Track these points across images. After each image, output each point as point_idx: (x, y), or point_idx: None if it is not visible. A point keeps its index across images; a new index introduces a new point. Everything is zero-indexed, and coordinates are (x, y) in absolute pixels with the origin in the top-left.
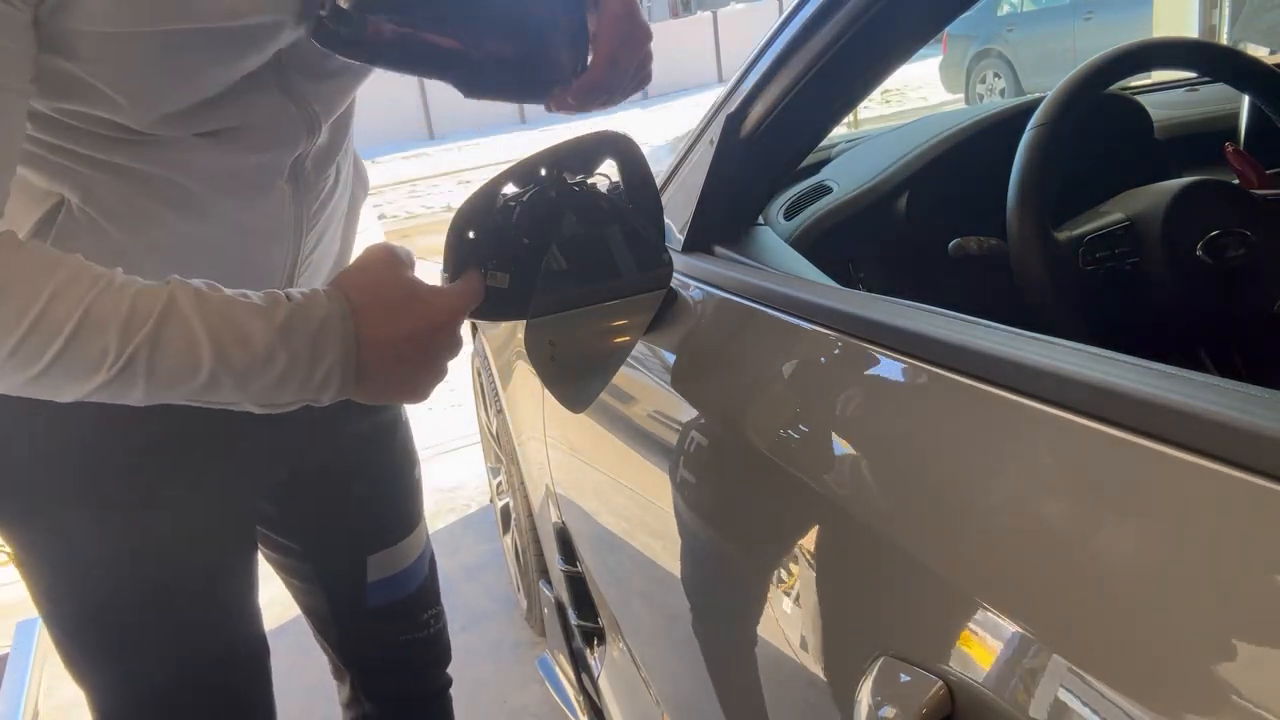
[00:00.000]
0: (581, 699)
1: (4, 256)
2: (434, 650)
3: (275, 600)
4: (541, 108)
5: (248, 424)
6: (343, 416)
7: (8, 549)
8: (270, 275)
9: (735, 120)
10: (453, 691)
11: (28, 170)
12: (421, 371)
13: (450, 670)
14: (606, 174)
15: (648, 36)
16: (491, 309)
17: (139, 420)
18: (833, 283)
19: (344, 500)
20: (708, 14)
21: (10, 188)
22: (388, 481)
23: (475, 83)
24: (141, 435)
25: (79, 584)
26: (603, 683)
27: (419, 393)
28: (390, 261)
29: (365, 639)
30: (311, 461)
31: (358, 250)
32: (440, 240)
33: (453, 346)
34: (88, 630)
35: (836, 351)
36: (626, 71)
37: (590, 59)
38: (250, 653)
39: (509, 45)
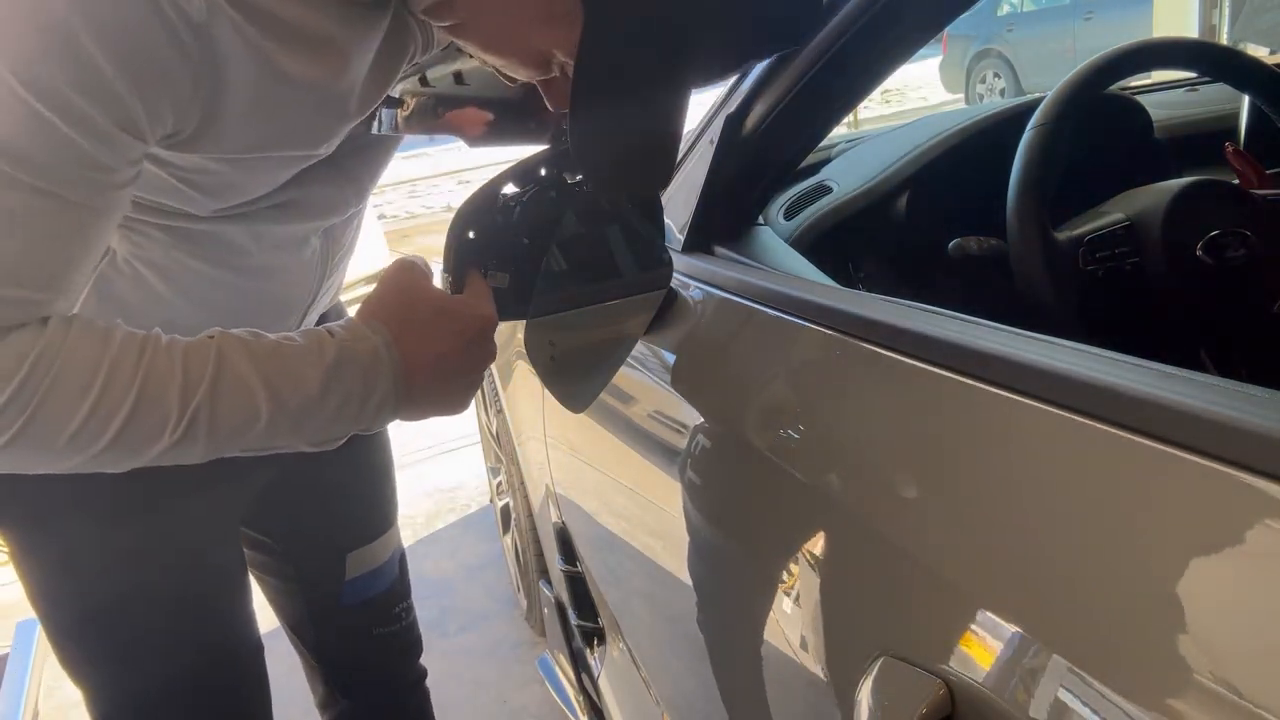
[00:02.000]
0: (581, 699)
1: (57, 341)
2: (405, 641)
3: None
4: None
5: None
6: None
7: (6, 550)
8: (292, 312)
9: (735, 120)
10: (453, 692)
11: None
12: (461, 384)
13: (450, 670)
14: None
15: None
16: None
17: None
18: (833, 283)
19: (325, 499)
20: None
21: (82, 286)
22: (368, 480)
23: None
24: None
25: (76, 587)
26: (603, 683)
27: (459, 405)
28: (414, 281)
29: (340, 635)
30: (295, 462)
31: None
32: (440, 240)
33: (488, 356)
34: (85, 632)
35: (836, 351)
36: None
37: None
38: (245, 653)
39: (505, 98)
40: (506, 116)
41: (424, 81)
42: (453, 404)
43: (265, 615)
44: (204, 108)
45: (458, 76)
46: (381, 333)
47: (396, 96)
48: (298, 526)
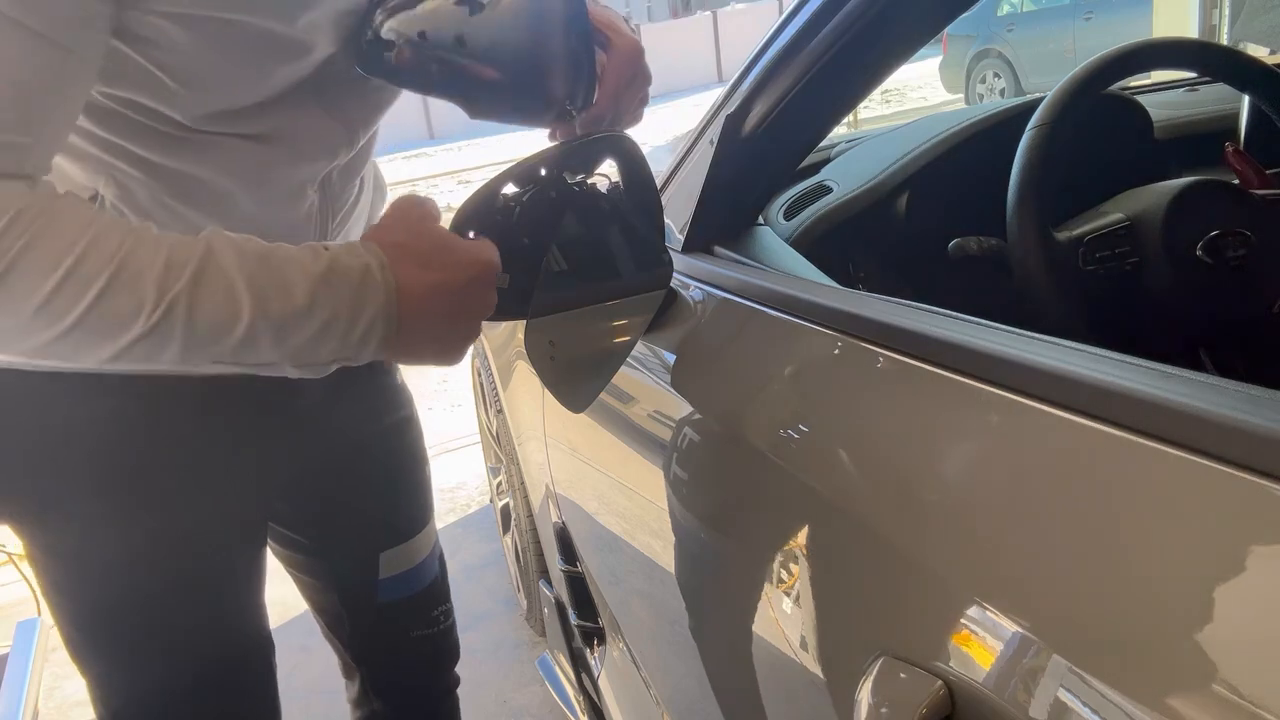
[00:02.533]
0: (581, 699)
1: (41, 204)
2: (443, 647)
3: (277, 600)
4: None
5: (262, 423)
6: (358, 415)
7: (19, 546)
8: None
9: (735, 120)
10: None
11: (69, 163)
12: (455, 328)
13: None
14: (606, 174)
15: (648, 80)
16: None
17: (151, 419)
18: (833, 283)
19: (357, 497)
20: (708, 14)
21: (59, 152)
22: (400, 479)
23: (476, 108)
24: (154, 434)
25: (89, 581)
26: (603, 683)
27: (452, 352)
28: (420, 213)
29: (376, 635)
30: (325, 459)
31: None
32: None
33: (487, 304)
34: (97, 626)
35: (836, 351)
36: (627, 109)
37: (597, 95)
38: (256, 650)
39: (506, 74)
40: (507, 90)
41: (423, 36)
42: (447, 350)
43: (273, 613)
44: None
45: (459, 40)
46: (377, 254)
47: (386, 37)
48: (329, 525)
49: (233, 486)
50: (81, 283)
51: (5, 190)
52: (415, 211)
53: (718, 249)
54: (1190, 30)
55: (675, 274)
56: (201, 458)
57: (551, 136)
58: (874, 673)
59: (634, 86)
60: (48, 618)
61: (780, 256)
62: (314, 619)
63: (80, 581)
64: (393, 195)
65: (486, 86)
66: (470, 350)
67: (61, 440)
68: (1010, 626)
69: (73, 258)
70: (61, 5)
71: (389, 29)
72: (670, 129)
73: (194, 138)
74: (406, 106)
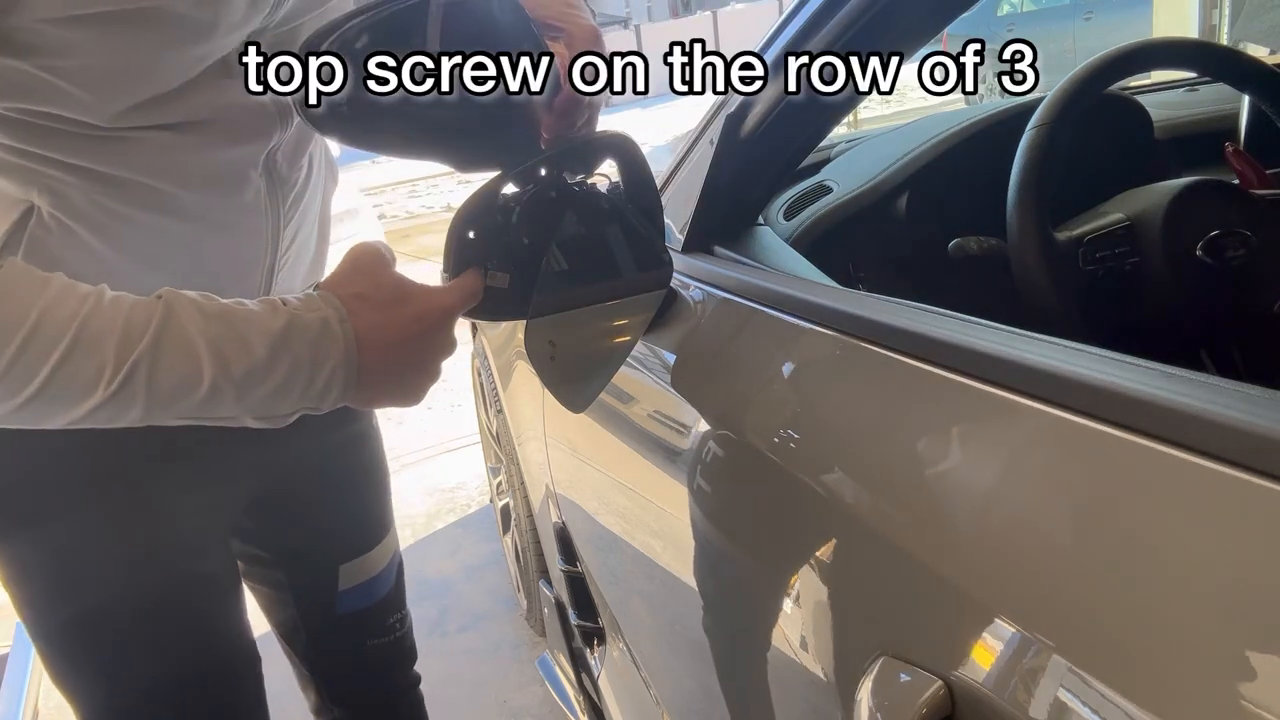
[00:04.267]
0: (581, 699)
1: None
2: (398, 652)
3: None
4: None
5: (227, 438)
6: (318, 427)
7: None
8: (250, 272)
9: (735, 120)
10: (453, 692)
11: None
12: (417, 373)
13: (450, 670)
14: (606, 174)
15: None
16: (491, 309)
17: (119, 437)
18: (833, 283)
19: (317, 510)
20: (708, 14)
21: None
22: (360, 491)
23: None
24: (122, 451)
25: (62, 597)
26: (603, 683)
27: (414, 395)
28: (378, 261)
29: (332, 646)
30: (287, 472)
31: (334, 246)
32: (440, 240)
33: (446, 347)
34: (72, 641)
35: (836, 351)
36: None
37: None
38: (239, 662)
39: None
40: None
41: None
42: (408, 392)
43: (261, 622)
44: None
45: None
46: (335, 305)
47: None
48: (289, 538)
49: (200, 502)
50: (39, 353)
51: None
52: (371, 260)
53: (718, 249)
54: (1190, 30)
55: (675, 274)
56: (167, 474)
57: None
58: (874, 673)
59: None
60: None
61: (780, 256)
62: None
63: (50, 599)
64: (393, 195)
65: (461, 134)
66: (470, 350)
67: (27, 460)
68: (1010, 626)
69: (29, 326)
70: None
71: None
72: (670, 129)
73: (114, 137)
74: None
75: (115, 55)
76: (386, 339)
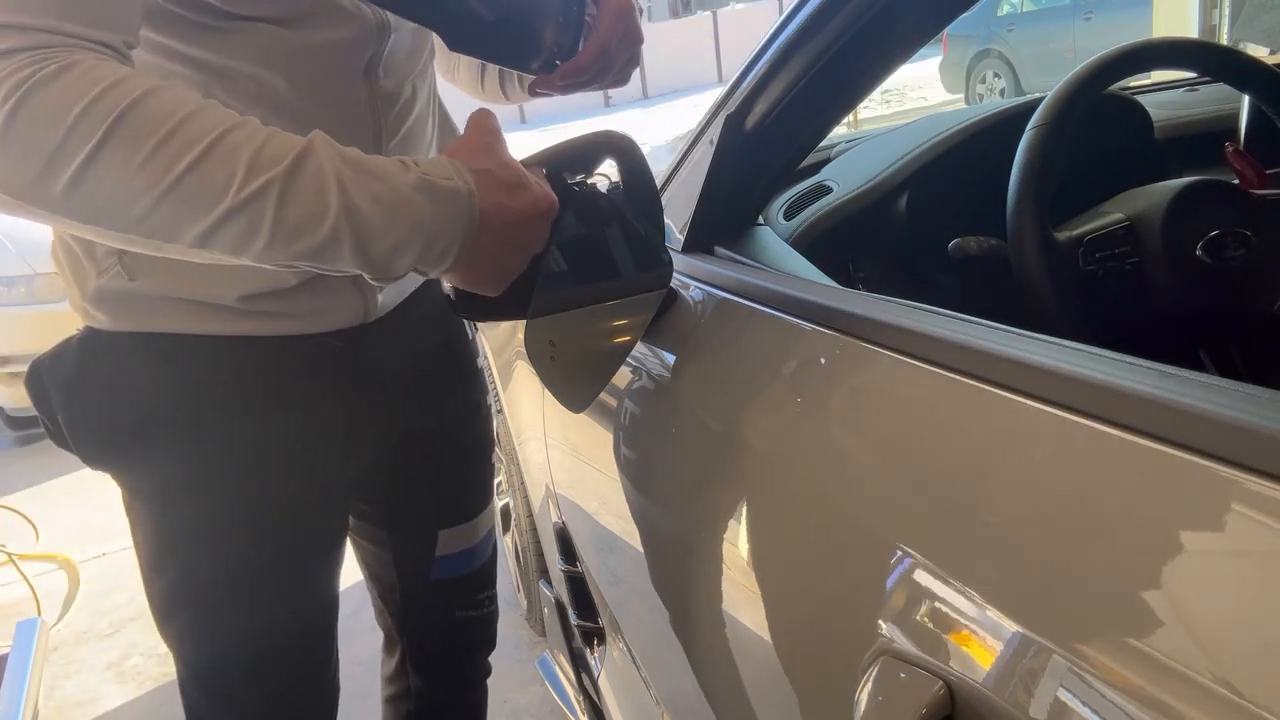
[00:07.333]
0: (581, 699)
1: (152, 80)
2: (484, 631)
3: None
4: (541, 107)
5: (353, 395)
6: (440, 394)
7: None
8: None
9: (735, 120)
10: None
11: None
12: (514, 259)
13: None
14: (606, 174)
15: (639, 39)
16: (491, 310)
17: (243, 379)
18: (833, 283)
19: (428, 473)
20: (708, 14)
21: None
22: (470, 462)
23: (457, 37)
24: (244, 395)
25: (183, 540)
26: (603, 683)
27: (503, 281)
28: (500, 138)
29: (424, 611)
30: (404, 433)
31: None
32: None
33: (542, 239)
34: (188, 585)
35: (836, 351)
36: (612, 66)
37: (583, 46)
38: (330, 614)
39: (492, 10)
40: (495, 28)
41: None
42: (500, 279)
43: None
44: None
45: None
46: (466, 179)
47: None
48: (399, 498)
49: (317, 452)
50: (183, 142)
51: (118, 61)
52: (495, 136)
53: (718, 249)
54: (1190, 30)
55: (675, 274)
56: (296, 425)
57: (532, 87)
58: (874, 673)
59: (624, 43)
60: (48, 618)
61: (780, 256)
62: (367, 588)
63: (170, 540)
64: None
65: (476, 21)
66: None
67: (157, 399)
68: (1010, 626)
69: (179, 118)
70: None
71: None
72: (670, 129)
73: (229, 29)
74: None
75: None
76: (503, 221)
